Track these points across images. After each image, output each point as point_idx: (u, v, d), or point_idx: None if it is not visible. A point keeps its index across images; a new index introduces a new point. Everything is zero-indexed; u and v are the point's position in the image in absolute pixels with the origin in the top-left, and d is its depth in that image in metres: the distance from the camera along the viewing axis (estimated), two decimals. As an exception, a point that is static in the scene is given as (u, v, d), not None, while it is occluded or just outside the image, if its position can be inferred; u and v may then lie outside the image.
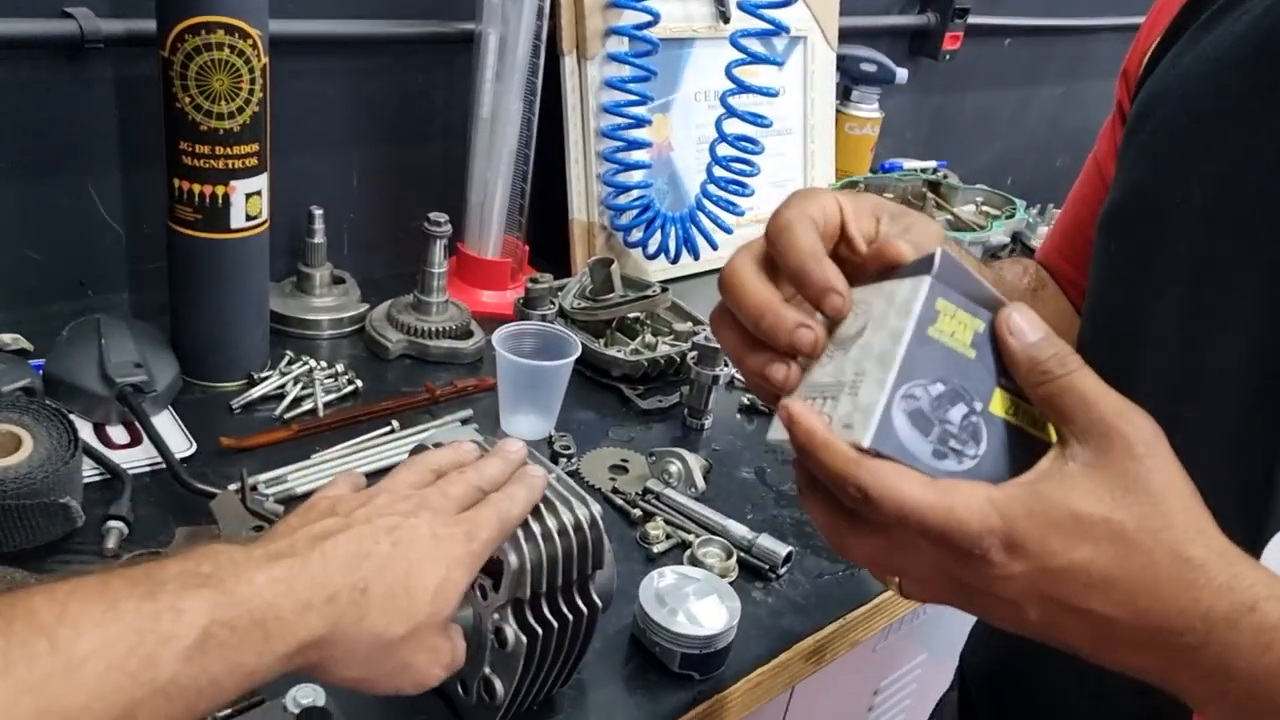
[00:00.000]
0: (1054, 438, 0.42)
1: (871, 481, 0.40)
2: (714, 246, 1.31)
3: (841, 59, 1.54)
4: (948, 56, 1.74)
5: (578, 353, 0.96)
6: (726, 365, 1.05)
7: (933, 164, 1.77)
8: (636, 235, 1.27)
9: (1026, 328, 0.42)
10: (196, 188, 0.88)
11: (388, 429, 0.94)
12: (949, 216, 1.56)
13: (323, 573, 0.47)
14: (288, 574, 0.46)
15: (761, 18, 1.18)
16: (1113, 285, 0.63)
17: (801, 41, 1.47)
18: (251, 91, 0.86)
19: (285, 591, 0.45)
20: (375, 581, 0.48)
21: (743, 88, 1.20)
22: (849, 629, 0.83)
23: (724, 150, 1.24)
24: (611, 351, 1.09)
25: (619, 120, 1.23)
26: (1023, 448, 0.43)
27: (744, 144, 1.23)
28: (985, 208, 1.60)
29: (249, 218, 0.91)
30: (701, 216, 1.28)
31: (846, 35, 1.57)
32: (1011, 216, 1.51)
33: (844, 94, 1.58)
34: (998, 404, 0.43)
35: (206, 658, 0.42)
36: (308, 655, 0.46)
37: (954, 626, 1.18)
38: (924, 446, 0.42)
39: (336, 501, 0.53)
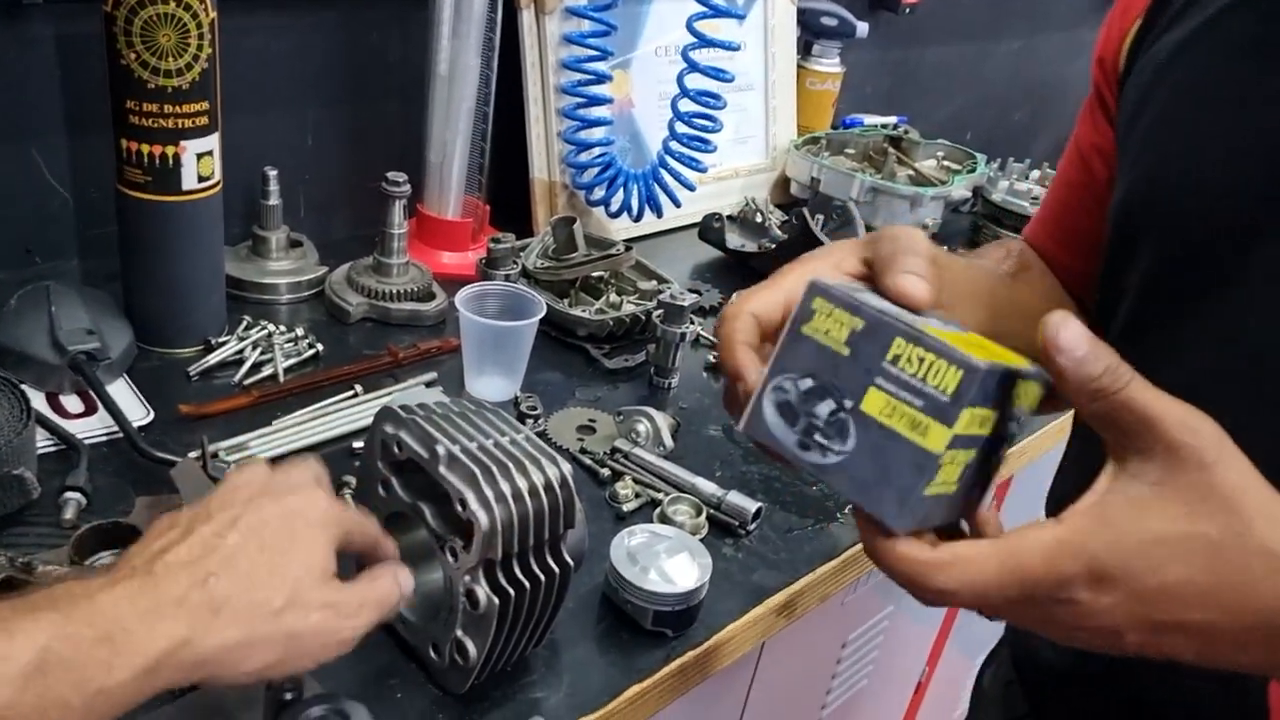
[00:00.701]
0: (937, 447, 0.41)
1: (943, 583, 0.40)
2: (676, 204, 1.30)
3: (802, 13, 1.52)
4: (908, 10, 1.74)
5: (542, 313, 0.95)
6: (692, 323, 1.05)
7: (893, 119, 1.77)
8: (599, 193, 1.26)
9: (1074, 343, 0.40)
10: (145, 148, 0.85)
11: (350, 393, 0.92)
12: (910, 172, 1.56)
13: (166, 579, 0.45)
14: (130, 591, 0.44)
15: (721, 10, 1.16)
16: (1139, 275, 0.61)
17: (762, -5, 1.45)
18: (200, 47, 0.84)
19: (128, 605, 0.43)
20: (227, 569, 0.47)
21: (704, 42, 1.19)
22: (819, 583, 0.83)
23: (686, 106, 1.22)
24: (576, 311, 1.08)
25: (579, 76, 1.21)
26: (897, 451, 0.42)
27: (706, 99, 1.22)
28: (946, 163, 1.60)
29: (201, 179, 0.89)
30: (664, 173, 1.27)
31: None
32: (973, 171, 1.51)
33: (805, 49, 1.57)
34: (871, 403, 0.43)
35: (47, 679, 0.40)
36: (180, 663, 0.44)
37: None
38: (790, 437, 0.44)
39: (174, 518, 0.51)
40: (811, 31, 1.55)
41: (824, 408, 0.43)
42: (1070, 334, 0.40)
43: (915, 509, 0.41)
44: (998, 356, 0.43)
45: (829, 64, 1.57)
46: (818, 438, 0.44)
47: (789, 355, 0.45)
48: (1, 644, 0.39)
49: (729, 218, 1.35)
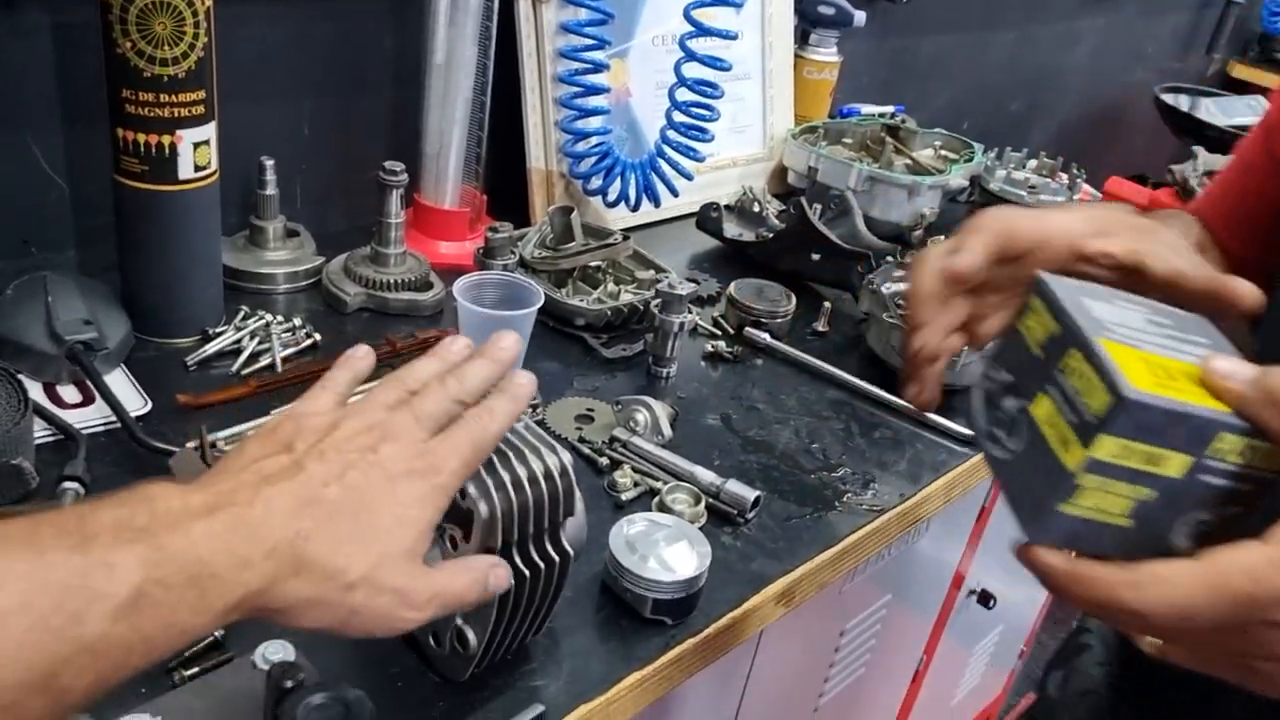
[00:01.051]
0: (1072, 464, 0.39)
1: (1138, 601, 0.39)
2: (674, 193, 1.29)
3: (800, 1, 1.52)
4: (904, 0, 1.73)
5: (540, 302, 0.95)
6: (690, 312, 1.05)
7: (890, 108, 1.77)
8: (596, 183, 1.25)
9: (1237, 368, 0.39)
10: (141, 138, 0.85)
11: (349, 383, 0.92)
12: (908, 161, 1.56)
13: (263, 525, 0.45)
14: (226, 528, 0.44)
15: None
16: None
17: (759, -16, 1.45)
18: (196, 36, 0.83)
19: (222, 548, 0.44)
20: (320, 530, 0.47)
21: (701, 30, 1.18)
22: (817, 571, 0.83)
23: (683, 95, 1.22)
24: (574, 300, 1.08)
25: (576, 65, 1.20)
26: (1043, 462, 0.41)
27: (703, 88, 1.22)
28: (944, 152, 1.60)
29: (198, 168, 0.89)
30: (661, 163, 1.27)
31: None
32: (970, 160, 1.51)
33: (803, 37, 1.57)
34: (1039, 408, 0.43)
35: (138, 616, 0.40)
36: (251, 607, 0.45)
37: (918, 567, 1.20)
38: (984, 425, 0.46)
39: (299, 429, 0.51)
40: (809, 20, 1.55)
41: (1011, 404, 0.44)
42: (1229, 365, 0.39)
43: (1050, 524, 0.40)
44: (1190, 396, 0.40)
45: (827, 53, 1.57)
46: (999, 431, 0.44)
47: (1005, 347, 0.46)
48: (100, 578, 0.39)
49: (726, 207, 1.35)
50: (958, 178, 1.45)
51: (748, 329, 1.12)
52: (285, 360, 0.94)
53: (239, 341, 0.95)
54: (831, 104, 1.68)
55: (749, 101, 1.49)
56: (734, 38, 1.24)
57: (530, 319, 0.94)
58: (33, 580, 0.38)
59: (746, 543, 0.83)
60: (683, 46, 1.19)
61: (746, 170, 1.49)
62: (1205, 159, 1.51)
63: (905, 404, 1.03)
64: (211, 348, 0.93)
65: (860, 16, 1.56)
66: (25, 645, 0.37)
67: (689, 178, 1.29)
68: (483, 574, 0.54)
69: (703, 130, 1.25)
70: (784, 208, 1.40)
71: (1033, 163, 1.59)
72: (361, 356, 0.59)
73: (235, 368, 0.92)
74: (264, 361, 0.93)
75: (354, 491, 0.48)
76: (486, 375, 0.56)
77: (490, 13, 1.12)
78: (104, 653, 0.40)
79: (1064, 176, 1.51)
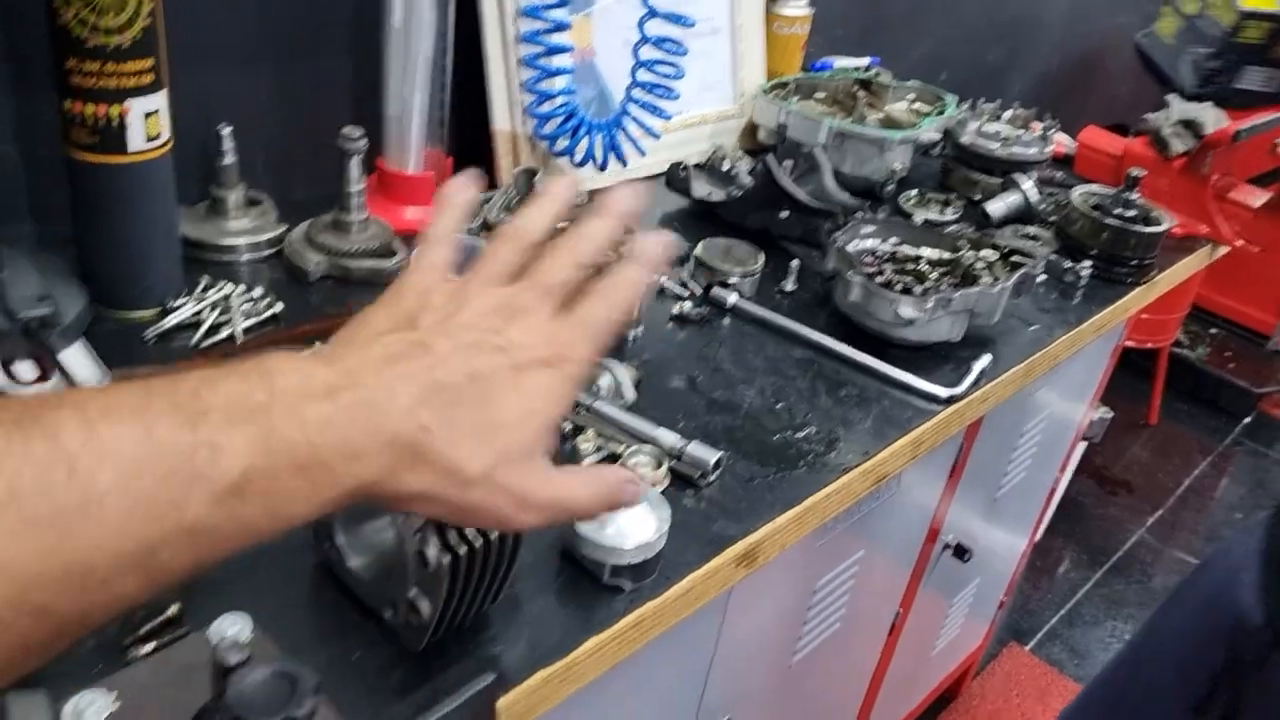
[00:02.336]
0: None
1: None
2: (641, 152, 1.28)
3: (768, -46, 1.50)
4: (877, -50, 1.71)
5: (502, 267, 0.94)
6: (657, 274, 1.04)
7: (865, 61, 1.75)
8: (562, 144, 1.24)
9: None
10: (89, 108, 0.84)
11: (310, 352, 0.91)
12: (881, 115, 1.54)
13: (384, 414, 0.43)
14: (345, 416, 0.42)
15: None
16: None
17: (728, -64, 1.43)
18: (140, 3, 0.82)
19: (338, 439, 0.41)
20: (441, 421, 0.44)
21: (657, 12, 1.17)
22: (778, 532, 0.83)
23: (647, 53, 1.21)
24: (539, 265, 1.07)
25: (539, 25, 1.19)
26: None
27: (668, 45, 1.20)
28: (918, 104, 1.59)
29: (149, 139, 0.87)
30: (628, 122, 1.26)
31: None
32: (942, 113, 1.50)
33: (773, -9, 1.55)
34: None
35: (241, 503, 0.39)
36: (361, 495, 0.43)
37: (892, 522, 1.21)
38: None
39: (424, 303, 0.48)
40: (778, -26, 1.53)
41: None
42: None
43: None
44: None
45: (797, 6, 1.55)
46: None
47: None
48: (205, 460, 0.38)
49: (697, 166, 1.34)
50: (929, 131, 1.44)
51: (714, 289, 1.12)
52: (246, 331, 0.93)
53: (199, 313, 0.94)
54: (805, 58, 1.67)
55: (718, 58, 1.47)
56: None
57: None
58: (136, 459, 0.36)
59: (709, 505, 0.83)
60: (645, 3, 1.18)
61: (717, 128, 1.48)
62: (1179, 108, 1.50)
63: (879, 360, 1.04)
64: (171, 320, 0.92)
65: (830, -32, 1.54)
66: (121, 527, 0.36)
67: (656, 136, 1.27)
68: (611, 489, 0.51)
69: (668, 89, 1.23)
70: (754, 165, 1.39)
71: (1008, 113, 1.57)
72: (461, 189, 0.55)
73: (194, 340, 0.91)
74: (224, 333, 0.93)
75: (480, 381, 0.45)
76: (608, 232, 0.52)
77: (448, -27, 1.10)
78: (203, 536, 0.38)
79: (1038, 126, 1.50)
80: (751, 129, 1.51)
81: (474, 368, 0.46)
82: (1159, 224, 1.34)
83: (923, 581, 1.42)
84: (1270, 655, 0.74)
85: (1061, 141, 1.67)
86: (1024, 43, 2.36)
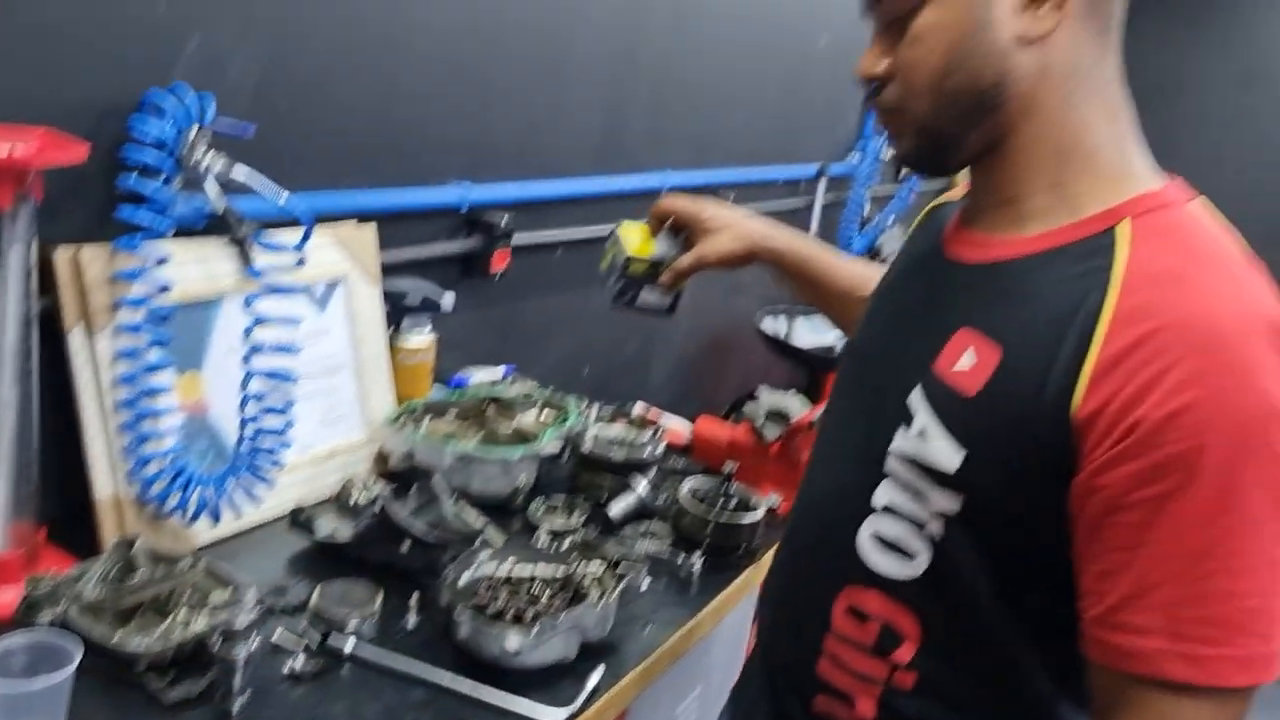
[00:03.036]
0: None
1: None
2: (256, 500, 1.29)
3: (386, 293, 1.61)
4: (498, 277, 1.88)
5: (74, 661, 0.90)
6: (254, 639, 1.03)
7: (501, 369, 1.88)
8: (173, 501, 1.23)
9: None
10: None
11: None
12: (511, 428, 1.65)
13: None
14: None
15: (281, 289, 1.22)
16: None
17: (341, 282, 1.52)
18: None
19: None
20: None
21: (262, 348, 1.22)
22: None
23: (254, 407, 1.24)
24: (137, 639, 1.03)
25: (138, 389, 1.20)
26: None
27: (278, 379, 1.24)
28: (547, 412, 1.71)
29: None
30: (242, 471, 1.27)
31: (395, 269, 1.65)
32: (564, 422, 1.62)
33: (396, 324, 1.65)
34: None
35: None
36: None
37: None
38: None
39: None
40: (399, 309, 1.64)
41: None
42: None
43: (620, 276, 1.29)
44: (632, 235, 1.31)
45: (420, 337, 1.65)
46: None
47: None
48: None
49: (328, 500, 1.36)
50: (550, 445, 1.55)
51: (331, 637, 1.12)
52: None
53: None
54: (443, 372, 1.77)
55: (343, 394, 1.53)
56: (297, 351, 1.29)
57: (63, 686, 0.89)
58: None
59: None
60: (249, 353, 1.22)
61: (348, 459, 1.52)
62: (768, 398, 1.71)
63: (497, 690, 1.07)
64: None
65: (448, 300, 1.67)
66: None
67: (269, 483, 1.29)
68: None
69: (280, 432, 1.27)
70: (375, 498, 1.42)
71: (622, 421, 1.73)
72: None
73: None
74: None
75: None
76: None
77: (29, 351, 1.10)
78: None
79: (658, 414, 1.66)
80: (384, 456, 1.56)
81: None
82: (758, 510, 1.50)
83: None
84: None
85: (681, 430, 1.84)
86: (656, 332, 2.62)
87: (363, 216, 1.57)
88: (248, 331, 1.20)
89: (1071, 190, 0.86)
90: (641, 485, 1.52)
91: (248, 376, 1.22)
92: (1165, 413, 0.72)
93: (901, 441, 0.89)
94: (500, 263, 1.86)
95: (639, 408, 1.88)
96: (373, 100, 1.59)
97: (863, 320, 1.07)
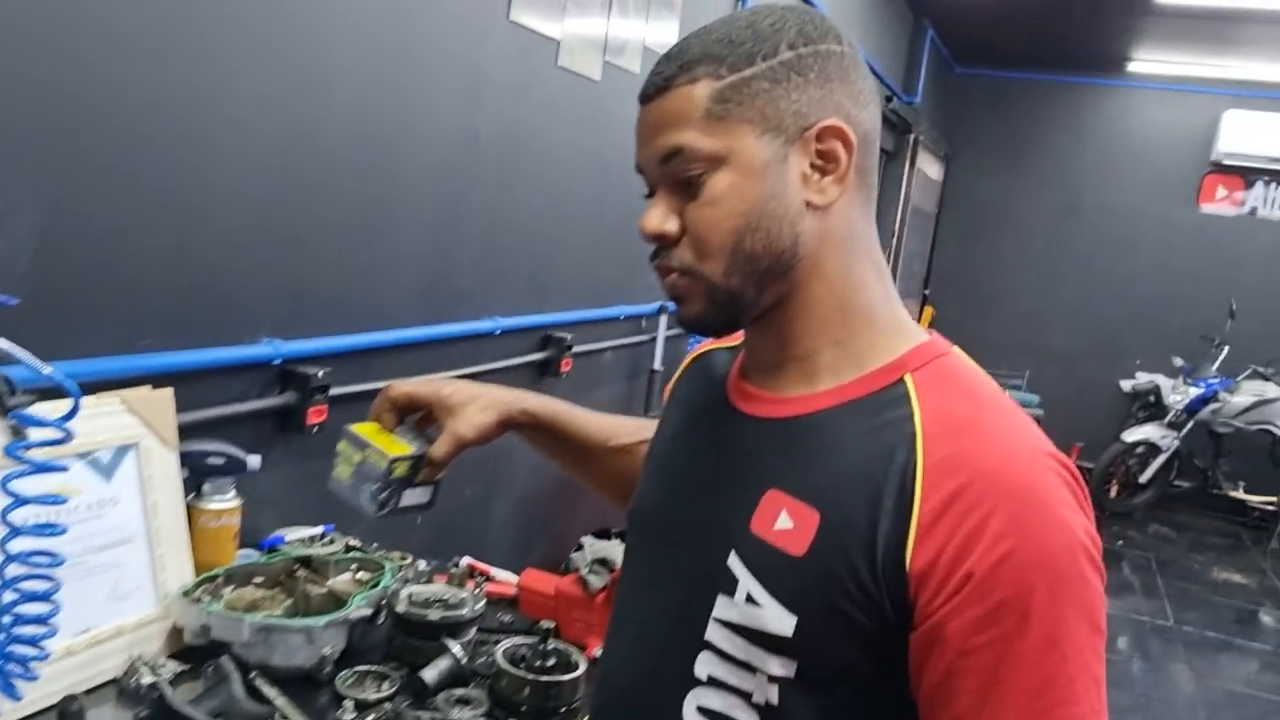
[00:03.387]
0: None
1: None
2: (15, 697, 1.18)
3: (187, 456, 1.53)
4: (315, 429, 1.82)
5: None
6: None
7: (320, 528, 1.80)
8: (-83, 703, 1.12)
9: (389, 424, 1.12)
10: None
11: None
12: (323, 591, 1.57)
13: None
14: None
15: (47, 467, 1.14)
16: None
17: (133, 448, 1.45)
18: None
19: None
20: None
21: (20, 530, 1.14)
22: None
23: (10, 595, 1.15)
24: None
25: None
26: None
27: (39, 563, 1.16)
28: (362, 574, 1.64)
29: None
30: None
31: (196, 429, 1.58)
32: (376, 585, 1.55)
33: (197, 488, 1.57)
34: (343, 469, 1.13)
35: None
36: None
37: None
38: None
39: None
40: (199, 472, 1.56)
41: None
42: None
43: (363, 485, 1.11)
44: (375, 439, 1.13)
45: (223, 500, 1.58)
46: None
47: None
48: None
49: (109, 685, 1.26)
50: (359, 610, 1.48)
51: None
52: None
53: None
54: (254, 538, 1.69)
55: (134, 564, 1.43)
56: (63, 501, 1.20)
57: None
58: None
59: None
60: (3, 546, 1.14)
61: (138, 636, 1.41)
62: (592, 547, 1.69)
63: None
64: None
65: (254, 461, 1.60)
66: None
67: (31, 676, 1.19)
68: None
69: (43, 619, 1.17)
70: (178, 672, 1.33)
71: (461, 564, 1.67)
72: None
73: None
74: None
75: None
76: None
77: None
78: None
79: (472, 583, 1.61)
80: (179, 632, 1.46)
81: None
82: (578, 668, 1.45)
83: None
84: None
85: (509, 584, 1.79)
86: (498, 471, 2.58)
87: (160, 378, 1.51)
88: (5, 514, 1.12)
89: (855, 346, 0.89)
90: (455, 647, 1.46)
91: (6, 561, 1.13)
92: (992, 561, 0.75)
93: (726, 610, 0.87)
94: (317, 416, 1.81)
95: (465, 561, 1.83)
96: (171, 254, 1.55)
97: (647, 479, 1.05)
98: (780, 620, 0.83)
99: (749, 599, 0.85)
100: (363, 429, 1.14)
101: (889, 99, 5.70)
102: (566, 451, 1.27)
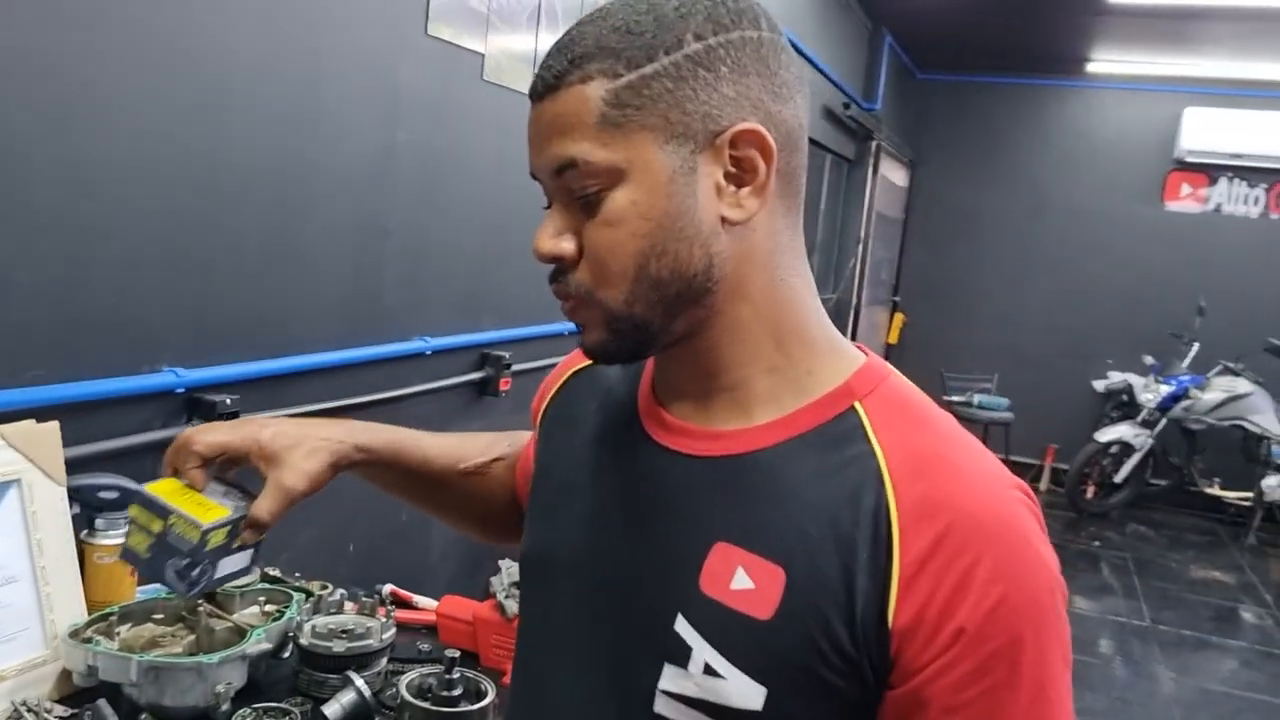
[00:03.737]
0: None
1: None
2: None
3: (77, 490, 1.48)
4: (225, 458, 1.76)
5: None
6: None
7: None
8: None
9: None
10: None
11: None
12: (226, 626, 1.51)
13: None
14: None
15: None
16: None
17: (15, 485, 1.39)
18: None
19: None
20: None
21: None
22: None
23: None
24: None
25: None
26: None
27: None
28: (269, 607, 1.58)
29: None
30: None
31: (91, 463, 1.53)
32: (279, 618, 1.50)
33: (89, 523, 1.51)
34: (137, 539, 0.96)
35: None
36: None
37: None
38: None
39: None
40: (91, 506, 1.50)
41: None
42: None
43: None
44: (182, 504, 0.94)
45: (118, 535, 1.52)
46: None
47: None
48: None
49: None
50: (259, 643, 1.43)
51: None
52: None
53: None
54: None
55: (19, 605, 1.38)
56: None
57: None
58: None
59: None
60: None
61: (24, 680, 1.35)
62: (508, 571, 1.64)
63: None
64: None
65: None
66: None
67: (-112, 731, 1.13)
68: None
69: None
70: (63, 716, 1.27)
71: (359, 602, 1.62)
72: None
73: None
74: None
75: None
76: None
77: None
78: None
79: (382, 611, 1.55)
80: (69, 674, 1.40)
81: None
82: (486, 696, 1.40)
83: None
84: None
85: (430, 611, 1.74)
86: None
87: (48, 410, 1.46)
88: None
89: (793, 372, 0.80)
90: (359, 681, 1.41)
91: None
92: (984, 612, 0.70)
93: (677, 682, 0.77)
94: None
95: (388, 589, 1.78)
96: (58, 282, 1.50)
97: (543, 516, 0.93)
98: (747, 693, 0.74)
99: (708, 670, 0.75)
100: (161, 489, 0.93)
101: (846, 105, 5.68)
102: (414, 485, 1.13)
